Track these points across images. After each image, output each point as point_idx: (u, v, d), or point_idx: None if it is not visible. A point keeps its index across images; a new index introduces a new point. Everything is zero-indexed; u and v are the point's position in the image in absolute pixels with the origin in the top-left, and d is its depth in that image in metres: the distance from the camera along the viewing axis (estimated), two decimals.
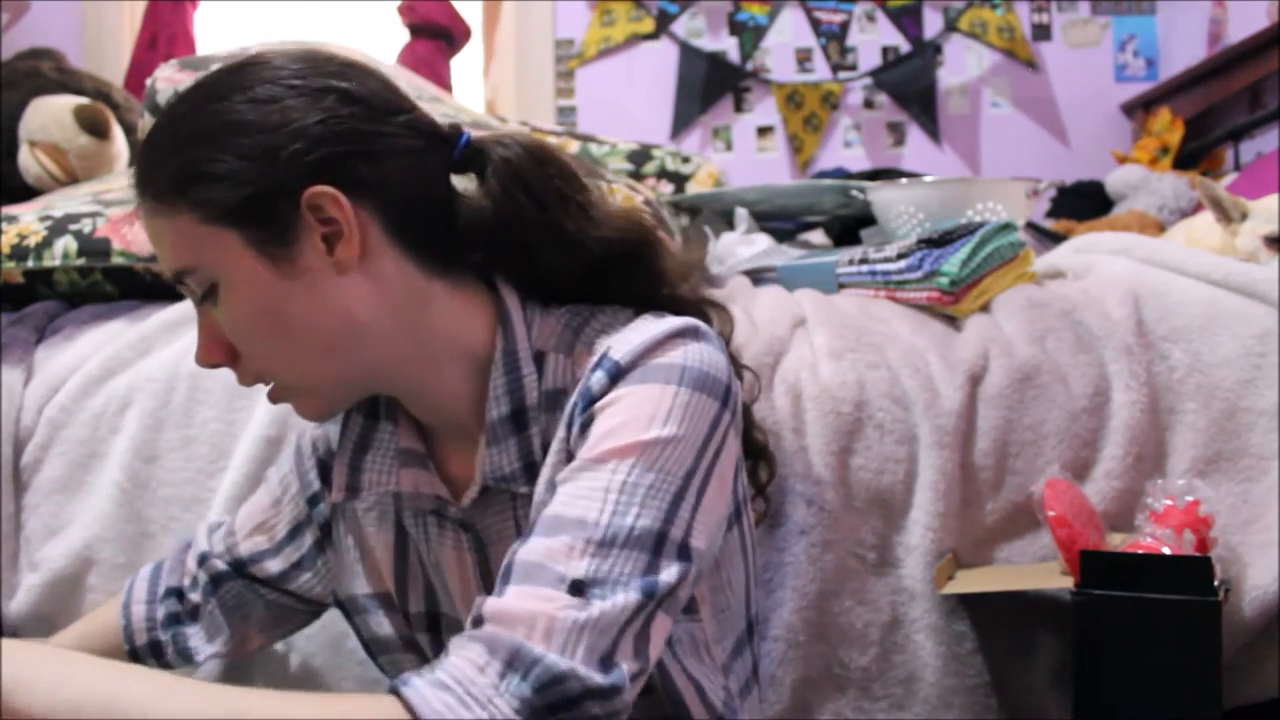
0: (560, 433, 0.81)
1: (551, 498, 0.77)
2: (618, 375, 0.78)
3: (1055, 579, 1.16)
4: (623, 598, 0.71)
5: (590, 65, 3.51)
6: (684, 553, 0.74)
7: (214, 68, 0.85)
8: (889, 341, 1.31)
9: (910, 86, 3.48)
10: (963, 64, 3.50)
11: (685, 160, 2.26)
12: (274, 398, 0.87)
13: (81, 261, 1.48)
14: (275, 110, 0.79)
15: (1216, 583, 1.08)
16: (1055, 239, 2.14)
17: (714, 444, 0.78)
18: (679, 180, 2.22)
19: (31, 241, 1.49)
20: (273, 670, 1.21)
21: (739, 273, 1.69)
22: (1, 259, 1.47)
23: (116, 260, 1.48)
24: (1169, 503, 1.17)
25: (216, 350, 0.84)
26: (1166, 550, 1.11)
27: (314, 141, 0.79)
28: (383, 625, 0.97)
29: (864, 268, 1.47)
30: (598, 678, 0.69)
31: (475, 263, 0.89)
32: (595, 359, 0.81)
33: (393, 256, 0.83)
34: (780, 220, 2.11)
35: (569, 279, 0.88)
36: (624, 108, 3.47)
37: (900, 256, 1.42)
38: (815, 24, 3.50)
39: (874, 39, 3.50)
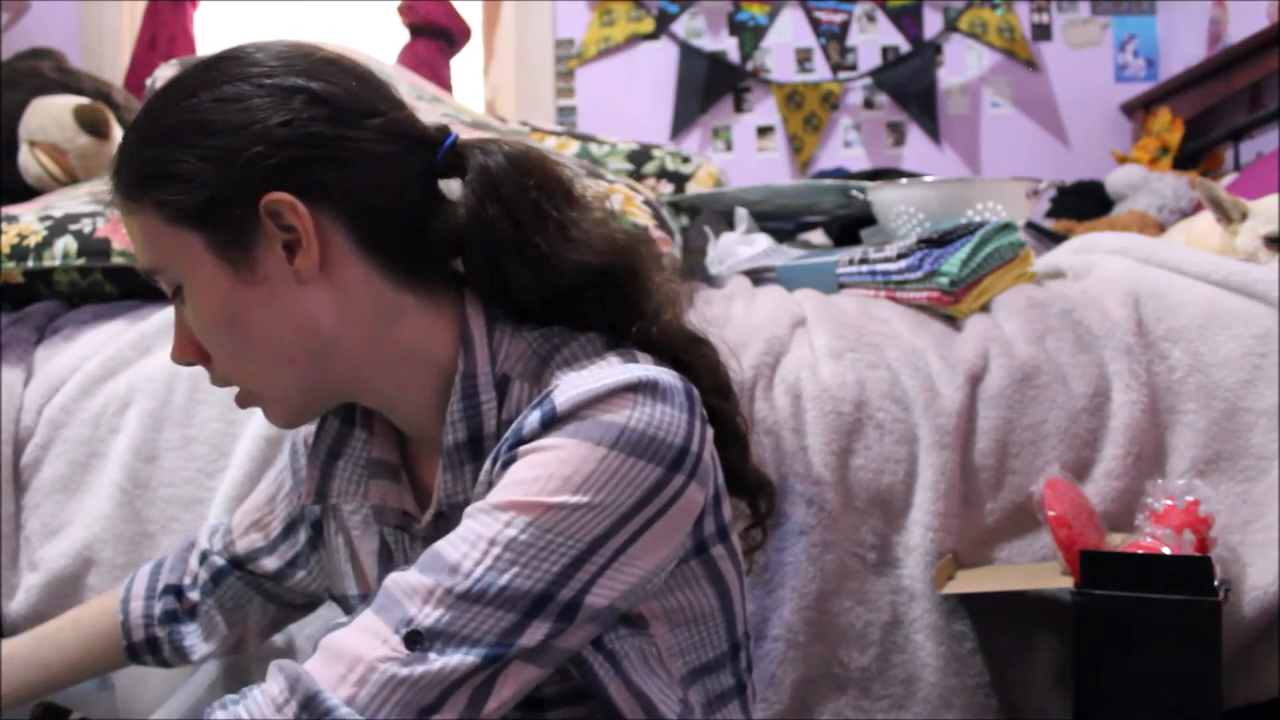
0: (486, 464, 0.77)
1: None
2: (551, 423, 0.73)
3: (1055, 579, 1.16)
4: (459, 658, 0.69)
5: (590, 65, 3.51)
6: (568, 612, 0.72)
7: (194, 63, 0.83)
8: (889, 341, 1.31)
9: (910, 86, 3.48)
10: (963, 64, 3.50)
11: (685, 160, 2.26)
12: (241, 402, 0.85)
13: (81, 261, 1.48)
14: (240, 110, 0.76)
15: (1216, 583, 1.08)
16: (1055, 239, 2.14)
17: (648, 510, 0.73)
18: (679, 180, 2.22)
19: (31, 241, 1.49)
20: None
21: (739, 273, 1.69)
22: (1, 259, 1.47)
23: (116, 260, 1.48)
24: (1169, 503, 1.17)
25: (188, 349, 0.83)
26: (1166, 550, 1.11)
27: (275, 145, 0.76)
28: None
29: (864, 268, 1.47)
30: None
31: (449, 275, 0.85)
32: (540, 397, 0.75)
33: (359, 267, 0.79)
34: (780, 220, 2.11)
35: (536, 301, 0.82)
36: (624, 108, 3.47)
37: (900, 256, 1.42)
38: (815, 24, 3.50)
39: (874, 39, 3.50)
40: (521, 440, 0.74)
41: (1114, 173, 2.77)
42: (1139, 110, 3.35)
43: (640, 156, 2.23)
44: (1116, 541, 1.18)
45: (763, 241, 1.82)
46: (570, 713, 0.81)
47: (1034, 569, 1.22)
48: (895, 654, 1.20)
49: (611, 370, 0.75)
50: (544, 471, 0.72)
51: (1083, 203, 2.79)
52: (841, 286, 1.51)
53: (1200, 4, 3.32)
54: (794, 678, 1.18)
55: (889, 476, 1.23)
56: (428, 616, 0.69)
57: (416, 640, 0.69)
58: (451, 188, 0.84)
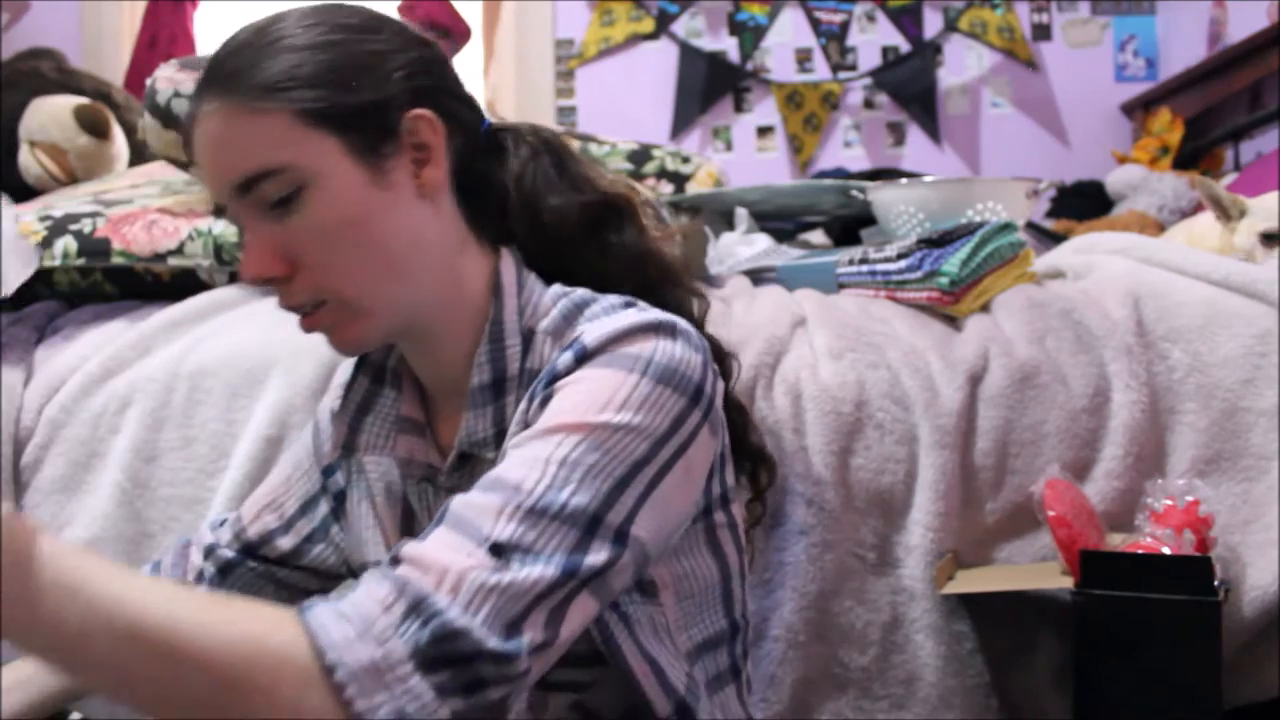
0: (521, 405, 0.82)
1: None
2: (584, 358, 0.79)
3: (1055, 579, 1.16)
4: (540, 570, 0.70)
5: (590, 65, 3.51)
6: (620, 539, 0.74)
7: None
8: (889, 341, 1.31)
9: (910, 86, 3.48)
10: (963, 64, 3.50)
11: (685, 160, 2.26)
12: (315, 323, 0.86)
13: (81, 261, 1.48)
14: (383, 37, 0.85)
15: (1216, 583, 1.08)
16: (1055, 239, 2.14)
17: (677, 440, 0.78)
18: (679, 180, 2.22)
19: (31, 241, 1.49)
20: None
21: (739, 273, 1.69)
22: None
23: (116, 260, 1.48)
24: (1169, 503, 1.17)
25: (275, 263, 0.83)
26: (1166, 550, 1.11)
27: (417, 70, 0.85)
28: None
29: (864, 268, 1.47)
30: (493, 641, 0.68)
31: (490, 230, 0.92)
32: (570, 341, 0.82)
33: (450, 196, 0.88)
34: (780, 220, 2.11)
35: (554, 240, 0.91)
36: (624, 108, 3.47)
37: (900, 256, 1.42)
38: (815, 24, 3.50)
39: (874, 39, 3.50)
40: (557, 376, 0.79)
41: (1114, 173, 2.77)
42: (1139, 110, 3.35)
43: (640, 156, 2.23)
44: (1116, 541, 1.18)
45: (763, 241, 1.82)
46: (577, 675, 0.84)
47: (1034, 569, 1.22)
48: (895, 654, 1.21)
49: (632, 314, 0.82)
50: (585, 397, 0.77)
51: (1083, 203, 2.79)
52: (841, 286, 1.51)
53: (1200, 4, 3.32)
54: (794, 678, 1.18)
55: (889, 476, 1.23)
56: (504, 530, 0.71)
57: (499, 552, 0.71)
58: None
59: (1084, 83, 3.47)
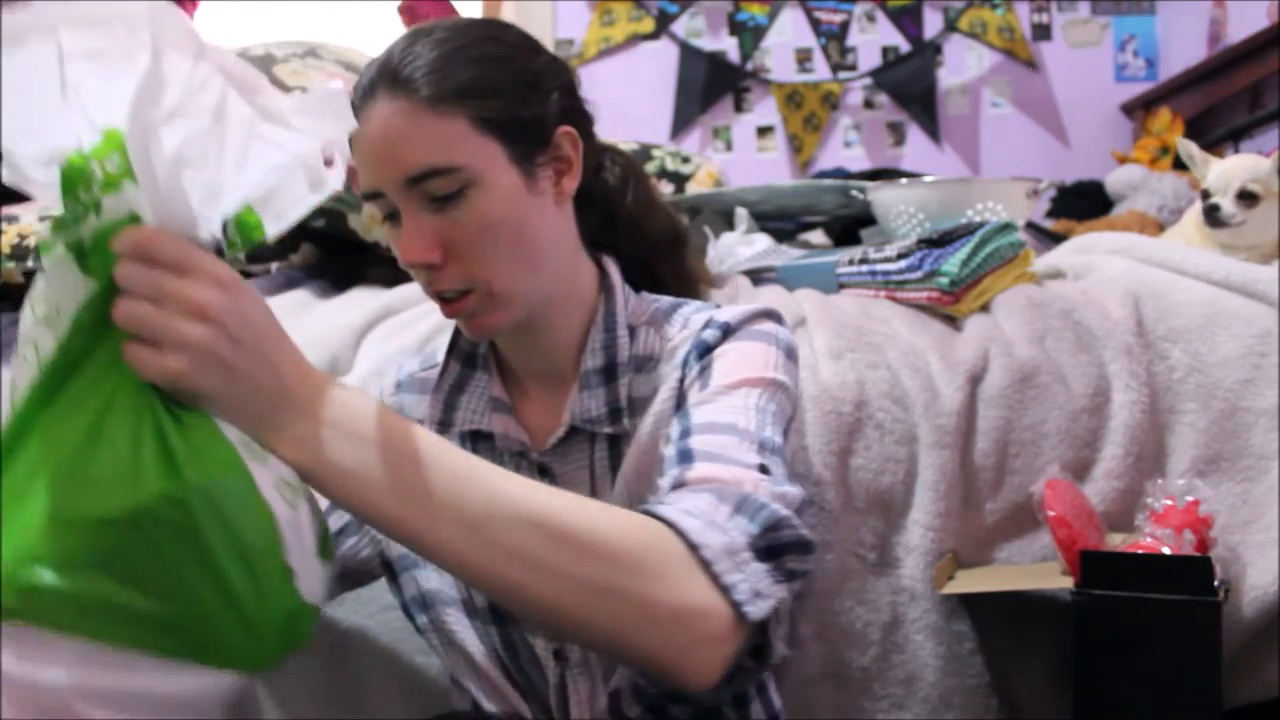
0: (675, 375, 0.94)
1: (675, 426, 0.88)
2: (728, 332, 0.93)
3: (1055, 579, 1.16)
4: (787, 486, 0.81)
5: (590, 65, 3.51)
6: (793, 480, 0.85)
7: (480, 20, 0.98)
8: (889, 341, 1.31)
9: (910, 86, 3.48)
10: (963, 64, 3.50)
11: (685, 160, 2.26)
12: (459, 309, 0.93)
13: None
14: (544, 58, 0.96)
15: (1216, 583, 1.08)
16: (1055, 239, 2.14)
17: (797, 405, 0.92)
18: (679, 180, 2.22)
19: (32, 241, 1.49)
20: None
21: (739, 273, 1.69)
22: (1, 259, 1.47)
23: None
24: (1169, 503, 1.17)
25: (434, 250, 0.91)
26: (1166, 550, 1.11)
27: (566, 90, 0.96)
28: (430, 579, 1.02)
29: (864, 268, 1.47)
30: (805, 531, 0.78)
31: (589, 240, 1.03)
32: (703, 323, 0.95)
33: (570, 206, 0.98)
34: (780, 220, 2.11)
35: (634, 255, 1.05)
36: (624, 108, 3.47)
37: (900, 256, 1.42)
38: (815, 24, 3.51)
39: (874, 39, 3.51)
40: (708, 347, 0.93)
41: (1114, 173, 2.77)
42: (1139, 110, 3.35)
43: (640, 156, 2.23)
44: (1116, 541, 1.18)
45: (763, 241, 1.82)
46: None
47: (1034, 569, 1.23)
48: (895, 654, 1.21)
49: (746, 305, 0.97)
50: (749, 358, 0.91)
51: (1083, 203, 2.79)
52: (841, 286, 1.51)
53: (1200, 4, 3.32)
54: (794, 677, 1.18)
55: (889, 476, 1.23)
56: (755, 458, 0.82)
57: (765, 471, 0.82)
58: None
59: (1084, 83, 3.47)
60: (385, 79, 0.89)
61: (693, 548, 0.74)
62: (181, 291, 0.65)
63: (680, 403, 0.92)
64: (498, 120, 0.90)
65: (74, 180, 0.64)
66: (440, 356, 1.05)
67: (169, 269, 0.65)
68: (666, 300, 1.02)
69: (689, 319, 0.98)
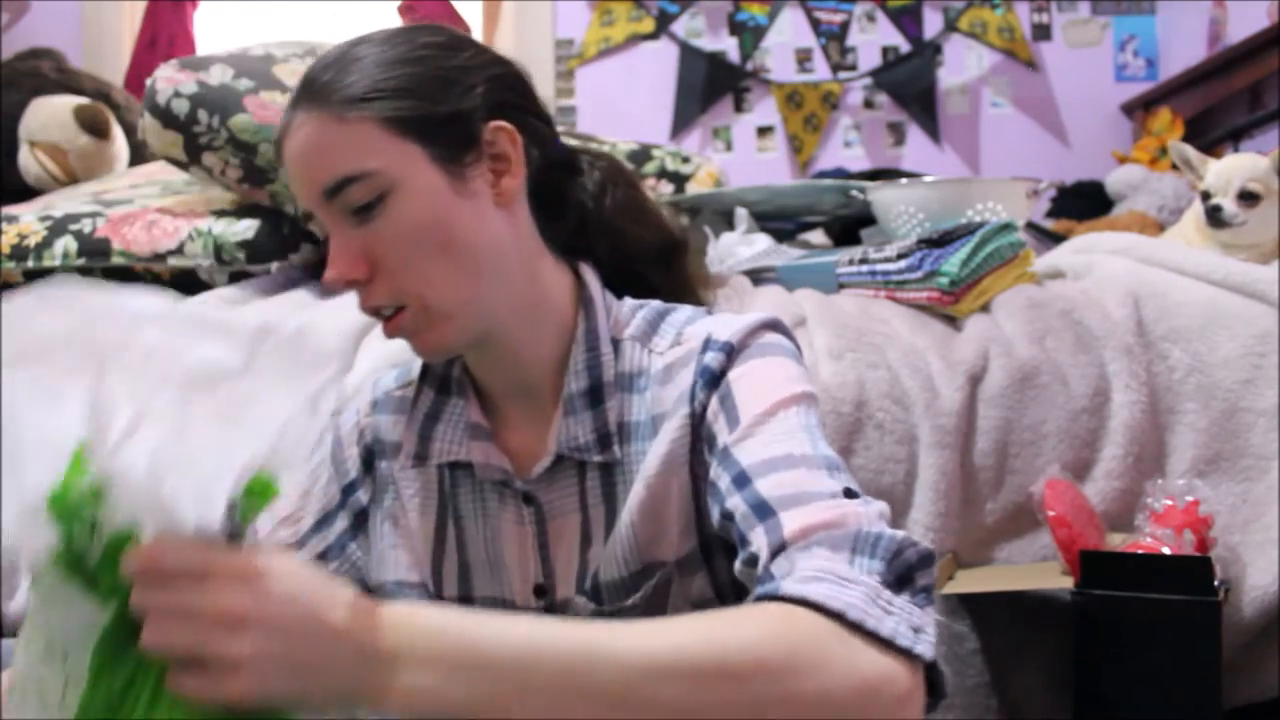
0: (681, 411, 0.86)
1: (719, 474, 0.81)
2: (731, 352, 0.86)
3: (1055, 579, 1.16)
4: (876, 503, 0.77)
5: (590, 65, 3.51)
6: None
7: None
8: (889, 341, 1.31)
9: (910, 86, 3.48)
10: (963, 64, 3.50)
11: (685, 160, 2.26)
12: (398, 327, 0.87)
13: (81, 261, 1.48)
14: (465, 54, 0.90)
15: (1216, 583, 1.08)
16: (1055, 239, 2.14)
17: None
18: (679, 180, 2.22)
19: (31, 241, 1.49)
20: None
21: (739, 273, 1.69)
22: (1, 259, 1.47)
23: (116, 260, 1.48)
24: (1169, 503, 1.17)
25: (357, 266, 0.85)
26: (1166, 550, 1.11)
27: (497, 84, 0.90)
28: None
29: (864, 268, 1.47)
30: (922, 542, 0.74)
31: (566, 246, 0.96)
32: (700, 341, 0.87)
33: (525, 206, 0.91)
34: (780, 220, 2.11)
35: (624, 266, 0.97)
36: (624, 108, 3.47)
37: (900, 256, 1.42)
38: (815, 24, 3.50)
39: (874, 39, 3.50)
40: (715, 375, 0.85)
41: (1114, 173, 2.77)
42: (1139, 110, 3.35)
43: (640, 156, 2.23)
44: (1116, 541, 1.18)
45: (763, 241, 1.82)
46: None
47: (1034, 569, 1.22)
48: None
49: (741, 316, 0.89)
50: (772, 378, 0.84)
51: (1083, 203, 2.79)
52: (841, 286, 1.51)
53: (1200, 4, 3.32)
54: None
55: (889, 476, 1.23)
56: (832, 483, 0.77)
57: (852, 495, 0.77)
58: None
59: (1084, 83, 3.47)
60: (301, 94, 0.87)
61: (836, 616, 0.67)
62: (211, 605, 0.59)
63: (698, 441, 0.85)
64: (410, 119, 0.85)
65: (65, 511, 0.60)
66: (416, 372, 0.99)
67: (188, 581, 0.60)
68: (652, 307, 0.93)
69: (681, 331, 0.90)
